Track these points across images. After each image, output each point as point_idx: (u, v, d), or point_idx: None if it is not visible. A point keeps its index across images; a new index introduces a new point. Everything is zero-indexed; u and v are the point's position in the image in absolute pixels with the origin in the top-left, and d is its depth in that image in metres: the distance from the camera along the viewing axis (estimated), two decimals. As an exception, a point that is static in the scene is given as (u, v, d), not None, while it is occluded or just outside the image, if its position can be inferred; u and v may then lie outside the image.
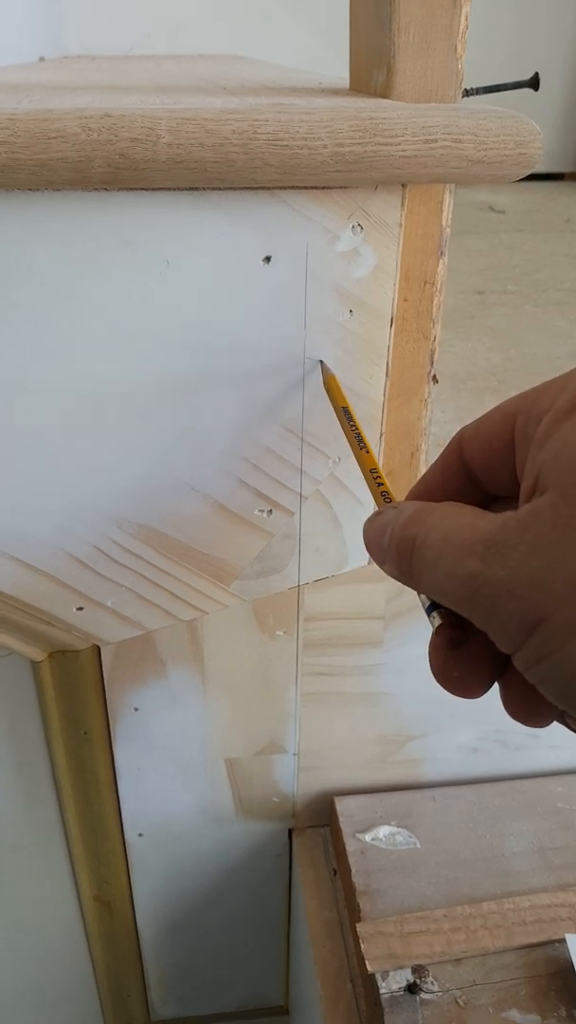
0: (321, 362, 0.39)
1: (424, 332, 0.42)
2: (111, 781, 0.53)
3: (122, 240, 0.33)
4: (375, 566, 0.47)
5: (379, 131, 0.30)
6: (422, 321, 0.42)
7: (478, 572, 0.21)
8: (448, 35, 0.34)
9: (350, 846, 0.52)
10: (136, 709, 0.49)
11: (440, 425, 0.64)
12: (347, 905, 0.51)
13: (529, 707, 0.23)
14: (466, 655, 0.24)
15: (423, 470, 0.48)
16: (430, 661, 0.25)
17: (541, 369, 0.74)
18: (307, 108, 0.30)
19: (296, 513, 0.43)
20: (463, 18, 0.35)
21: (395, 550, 0.24)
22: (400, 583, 0.25)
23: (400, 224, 0.35)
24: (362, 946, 0.46)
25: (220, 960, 0.68)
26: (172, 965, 0.68)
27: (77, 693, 0.48)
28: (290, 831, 0.58)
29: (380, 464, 0.33)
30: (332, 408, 0.38)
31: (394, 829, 0.52)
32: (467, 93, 0.39)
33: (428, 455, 0.48)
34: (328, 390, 0.39)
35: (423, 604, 0.25)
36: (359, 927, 0.47)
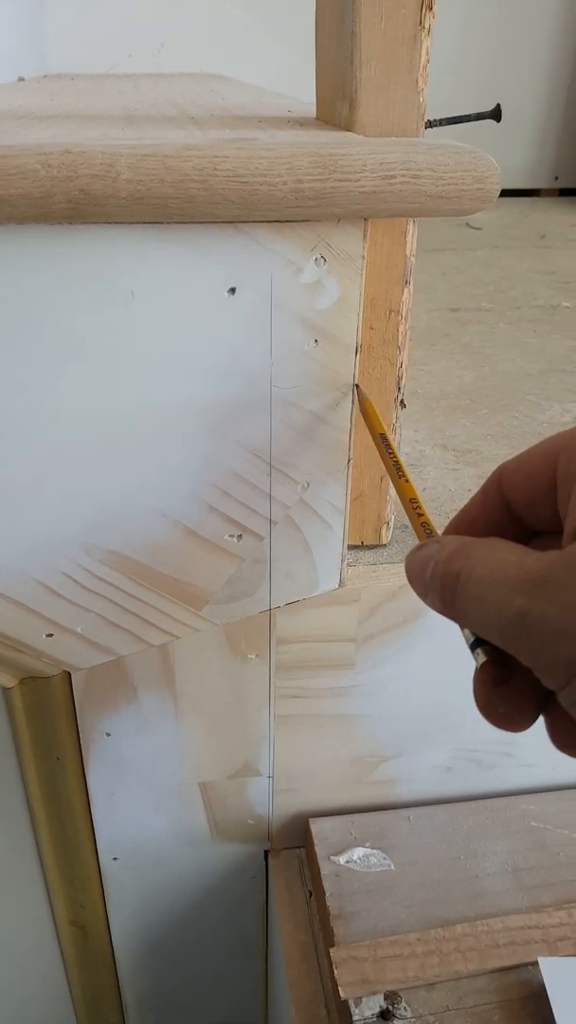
0: (357, 386, 0.39)
1: (390, 359, 0.42)
2: (84, 806, 0.53)
3: (86, 272, 0.34)
4: (346, 588, 0.47)
5: (338, 167, 0.30)
6: (388, 348, 0.42)
7: (526, 610, 0.21)
8: (409, 69, 0.35)
9: (324, 869, 0.52)
10: (108, 734, 0.49)
11: (412, 444, 0.64)
12: (322, 928, 0.51)
13: None
14: (511, 690, 0.24)
15: (392, 494, 0.48)
16: (475, 696, 0.25)
17: (513, 387, 0.75)
18: (267, 144, 0.30)
19: (266, 538, 0.43)
20: (424, 52, 0.35)
21: (439, 584, 0.24)
22: (441, 615, 0.25)
23: (363, 256, 0.35)
24: (335, 972, 0.45)
25: (198, 983, 0.68)
26: (150, 988, 0.68)
27: (48, 719, 0.48)
28: (266, 853, 0.58)
29: (415, 492, 0.33)
30: (367, 431, 0.39)
31: (368, 851, 0.52)
32: (430, 124, 0.40)
33: (398, 478, 0.49)
34: (365, 415, 0.39)
35: (466, 640, 0.25)
36: (332, 952, 0.47)
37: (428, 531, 0.30)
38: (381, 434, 0.37)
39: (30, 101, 0.56)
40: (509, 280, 1.11)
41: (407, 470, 0.35)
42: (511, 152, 1.74)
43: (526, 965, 0.46)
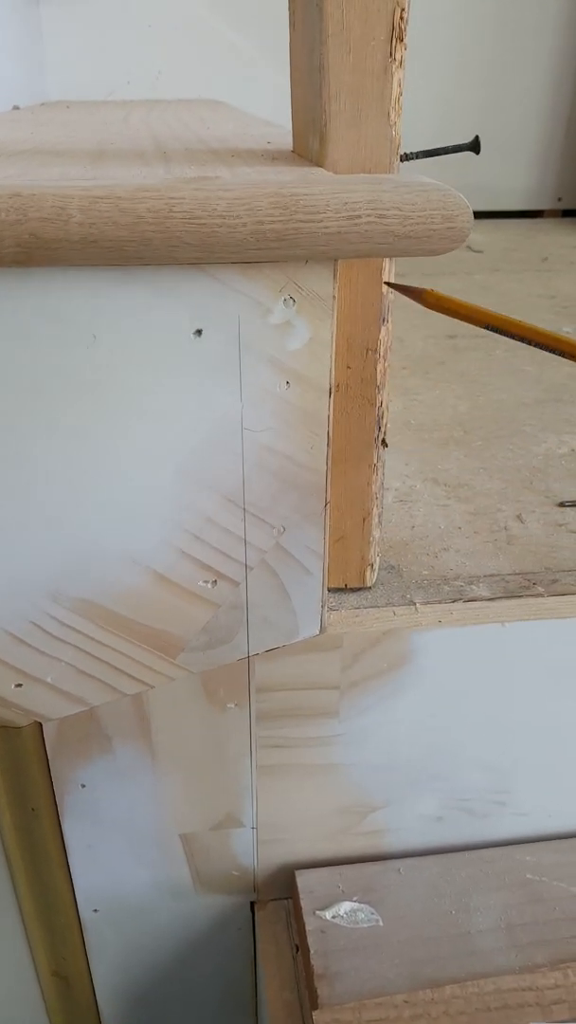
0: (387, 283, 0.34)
1: (369, 399, 0.41)
2: (62, 857, 0.51)
3: (45, 315, 0.32)
4: (327, 634, 0.45)
5: (300, 208, 0.29)
6: (366, 388, 0.41)
7: None
8: (380, 102, 0.34)
9: (310, 924, 0.49)
10: (83, 785, 0.47)
11: (402, 479, 0.63)
12: (307, 988, 0.49)
13: None
14: None
15: (376, 534, 0.46)
16: None
17: (509, 417, 0.73)
18: (226, 184, 0.29)
19: (242, 583, 0.42)
20: (396, 85, 0.34)
21: None
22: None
23: (333, 296, 0.34)
24: (318, 1038, 0.43)
25: (185, 1037, 0.65)
26: (135, 1042, 0.65)
27: (21, 769, 0.46)
28: (252, 904, 0.56)
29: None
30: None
31: (356, 905, 0.50)
32: (406, 157, 0.39)
33: (381, 518, 0.47)
34: (443, 309, 0.34)
35: None
36: (316, 1015, 0.44)
37: None
38: (487, 325, 0.32)
39: (10, 135, 0.56)
40: (509, 305, 1.09)
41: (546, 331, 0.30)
42: (513, 173, 1.74)
43: (520, 1032, 0.44)
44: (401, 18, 0.33)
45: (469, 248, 1.45)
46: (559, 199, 1.80)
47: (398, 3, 0.32)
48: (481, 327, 0.33)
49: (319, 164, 0.35)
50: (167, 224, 0.28)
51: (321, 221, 0.29)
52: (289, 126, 0.42)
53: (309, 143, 0.37)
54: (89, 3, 1.43)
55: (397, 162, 0.35)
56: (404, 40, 0.33)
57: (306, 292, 0.34)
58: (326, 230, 0.29)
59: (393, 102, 0.34)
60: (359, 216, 0.29)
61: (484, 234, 1.56)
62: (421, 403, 0.76)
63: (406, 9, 0.33)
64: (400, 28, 0.33)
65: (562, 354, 0.31)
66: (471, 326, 1.00)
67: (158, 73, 1.50)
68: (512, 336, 0.32)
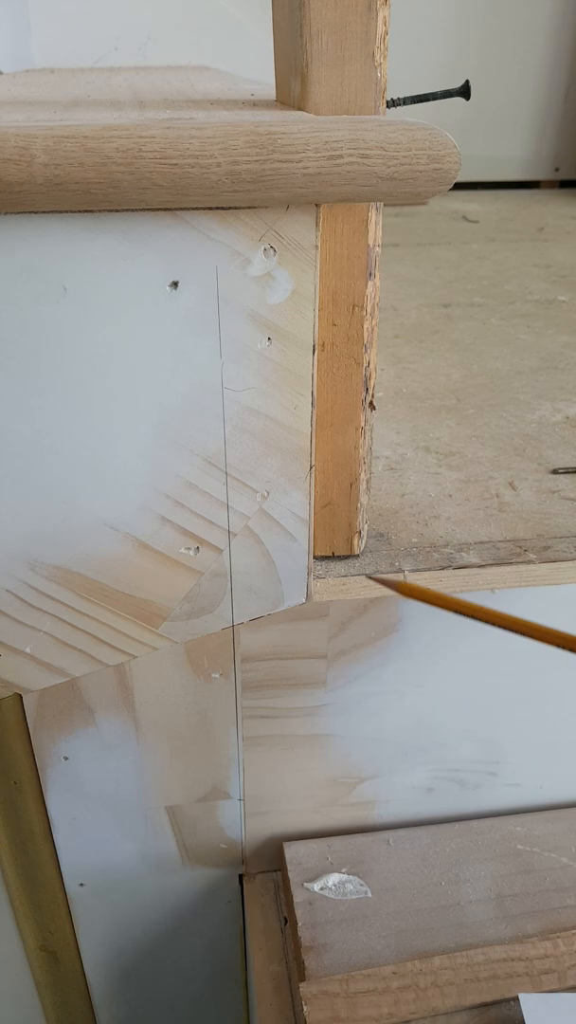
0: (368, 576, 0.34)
1: (355, 358, 0.40)
2: (46, 831, 0.50)
3: (12, 265, 0.31)
4: (313, 603, 0.44)
5: (277, 147, 0.27)
6: (353, 346, 0.39)
7: None
8: (364, 42, 0.32)
9: (298, 896, 0.49)
10: (66, 758, 0.46)
11: (393, 447, 0.61)
12: (295, 959, 0.48)
13: None
14: None
15: (364, 500, 0.45)
16: None
17: (503, 386, 0.72)
18: (200, 123, 0.28)
19: (225, 550, 0.41)
20: (380, 23, 0.32)
21: None
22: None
23: (316, 246, 0.32)
24: (304, 1008, 0.43)
25: (176, 1009, 0.65)
26: (126, 1015, 0.65)
27: (2, 742, 0.45)
28: (240, 876, 0.55)
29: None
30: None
31: (344, 877, 0.50)
32: (392, 103, 0.37)
33: (369, 484, 0.46)
34: (418, 598, 0.33)
35: None
36: (302, 987, 0.44)
37: None
38: (455, 611, 0.32)
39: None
40: (504, 274, 1.07)
41: (525, 623, 0.30)
42: (510, 143, 1.71)
43: (507, 1001, 0.44)
44: (386, -51, 0.31)
45: (465, 218, 1.42)
46: (556, 169, 1.77)
47: None
48: (454, 613, 0.32)
49: (301, 108, 0.33)
50: (136, 165, 0.27)
51: (300, 161, 0.28)
52: (263, 87, 0.40)
53: (291, 87, 0.35)
54: (74, -35, 1.39)
55: (383, 106, 0.34)
56: (389, -26, 0.32)
57: (287, 241, 0.32)
58: (305, 171, 0.28)
59: (378, 41, 0.32)
60: (340, 156, 0.28)
61: (480, 204, 1.54)
62: (414, 372, 0.75)
63: None
64: (385, -40, 0.31)
65: (538, 640, 0.30)
66: (466, 295, 0.98)
67: (147, 39, 1.47)
68: (486, 623, 0.31)
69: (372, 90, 0.33)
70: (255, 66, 1.24)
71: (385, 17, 0.33)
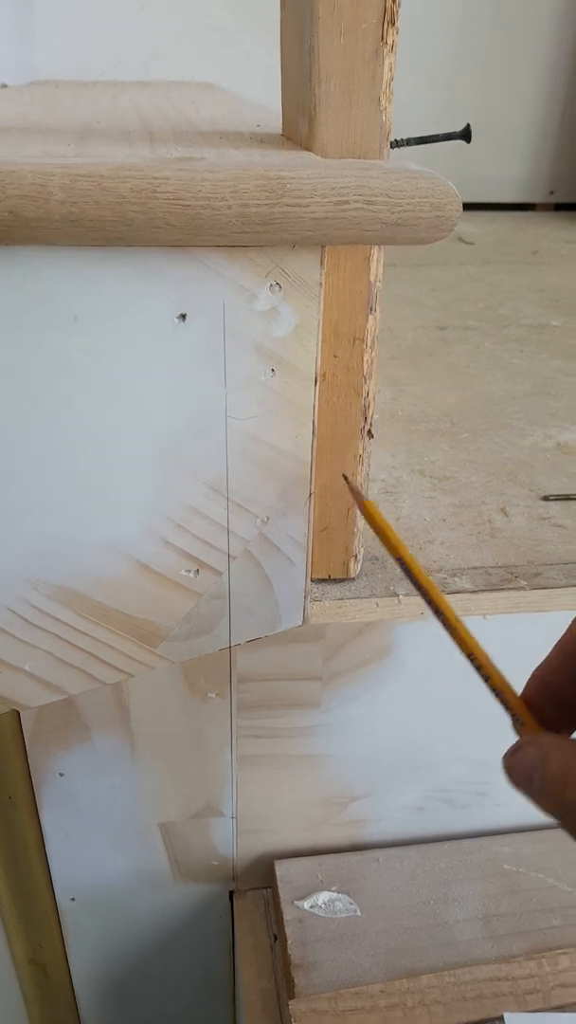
0: (344, 476, 0.36)
1: (355, 389, 0.41)
2: (39, 845, 0.51)
3: (25, 294, 0.32)
4: (310, 625, 0.45)
5: (287, 191, 0.28)
6: (353, 377, 0.40)
7: None
8: (371, 87, 0.33)
9: (288, 914, 0.49)
10: (61, 774, 0.47)
11: (388, 470, 0.62)
12: (284, 977, 0.49)
13: None
14: None
15: (360, 525, 0.46)
16: None
17: (497, 410, 0.73)
18: (212, 166, 0.28)
19: (224, 573, 0.41)
20: (387, 69, 0.34)
21: (553, 807, 0.24)
22: None
23: (320, 283, 0.34)
24: (294, 1027, 0.43)
25: (163, 1024, 0.65)
26: (113, 1029, 0.65)
27: (-2, 757, 0.46)
28: (231, 893, 0.56)
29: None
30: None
31: (334, 895, 0.50)
32: (397, 144, 0.38)
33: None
34: (370, 524, 0.34)
35: None
36: (292, 1005, 0.44)
37: (506, 704, 0.29)
38: (398, 559, 0.32)
39: (-5, 112, 0.55)
40: (499, 297, 1.09)
41: (453, 612, 0.31)
42: (505, 165, 1.73)
43: (493, 1020, 0.44)
44: (393, 1, 0.32)
45: (461, 240, 1.44)
46: (551, 192, 1.80)
47: (390, -15, 0.32)
48: (392, 556, 0.33)
49: (308, 148, 0.34)
50: (150, 205, 0.28)
51: (308, 206, 0.29)
52: (267, 116, 0.41)
53: (298, 126, 0.36)
54: (80, -19, 1.40)
55: (388, 148, 0.35)
56: (396, 24, 0.33)
57: (292, 278, 0.33)
58: (313, 215, 0.29)
59: (384, 86, 0.34)
60: (347, 202, 0.29)
61: (476, 226, 1.56)
62: (409, 394, 0.76)
63: (398, -9, 0.32)
64: (392, 11, 0.32)
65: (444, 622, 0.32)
66: (461, 318, 0.99)
67: (150, 54, 1.48)
68: (411, 579, 0.33)
69: (378, 133, 0.34)
70: (256, 83, 1.26)
71: (391, 64, 0.34)
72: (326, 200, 0.29)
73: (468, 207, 1.75)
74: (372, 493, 0.58)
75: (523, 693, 0.30)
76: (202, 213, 0.28)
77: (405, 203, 0.29)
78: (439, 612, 0.31)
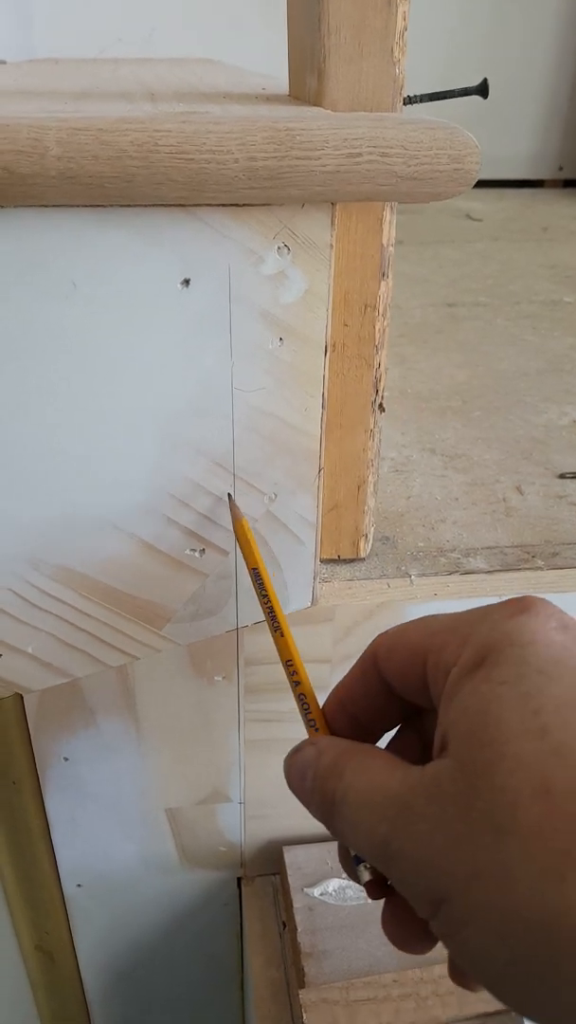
0: (229, 495, 0.37)
1: (367, 359, 0.39)
2: (44, 831, 0.50)
3: (20, 260, 0.30)
4: (319, 607, 0.44)
5: (296, 143, 0.27)
6: (364, 347, 0.39)
7: (388, 840, 0.21)
8: (383, 37, 0.31)
9: (297, 902, 0.48)
10: (66, 759, 0.46)
11: (399, 449, 0.61)
12: (293, 966, 0.48)
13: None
14: (400, 912, 0.24)
15: (371, 503, 0.45)
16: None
17: (509, 387, 0.71)
18: (217, 117, 0.27)
19: (231, 552, 0.40)
20: (400, 18, 0.32)
21: (318, 802, 0.24)
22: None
23: (331, 245, 0.32)
24: (304, 1016, 0.42)
25: (172, 1011, 0.65)
26: (121, 1016, 0.65)
27: (1, 742, 0.44)
28: (239, 880, 0.55)
29: (293, 651, 0.32)
30: (231, 526, 0.37)
31: (345, 882, 0.49)
32: (409, 101, 0.37)
33: (376, 486, 0.45)
34: (237, 538, 0.37)
35: (351, 851, 0.25)
36: (302, 995, 0.43)
37: (306, 708, 0.30)
38: (253, 568, 0.35)
39: (-9, 79, 0.53)
40: (509, 274, 1.07)
41: (284, 620, 0.33)
42: (514, 141, 1.70)
43: (507, 1011, 0.43)
44: None
45: (469, 216, 1.42)
46: (560, 168, 1.77)
47: None
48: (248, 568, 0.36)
49: (317, 103, 0.33)
50: (152, 159, 0.26)
51: (319, 159, 0.27)
52: (275, 82, 0.39)
53: (306, 82, 0.34)
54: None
55: (400, 103, 0.33)
56: (410, -32, 0.31)
57: (301, 239, 0.31)
58: (324, 168, 0.27)
59: (397, 37, 0.32)
60: (360, 154, 0.27)
61: (484, 203, 1.53)
62: (419, 372, 0.74)
63: None
64: (406, -47, 0.30)
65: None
66: (471, 295, 0.97)
67: (150, 31, 1.45)
68: (258, 585, 0.35)
69: (390, 87, 0.32)
70: (258, 60, 1.23)
71: (405, 12, 0.32)
72: (338, 152, 0.27)
73: (476, 184, 1.72)
74: (382, 472, 0.57)
75: (323, 706, 0.30)
76: (207, 168, 0.26)
77: (422, 155, 0.27)
78: (274, 618, 0.33)
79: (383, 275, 0.38)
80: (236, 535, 0.37)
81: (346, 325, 0.39)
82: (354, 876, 0.26)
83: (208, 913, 0.57)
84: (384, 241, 0.36)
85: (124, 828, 0.50)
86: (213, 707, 0.45)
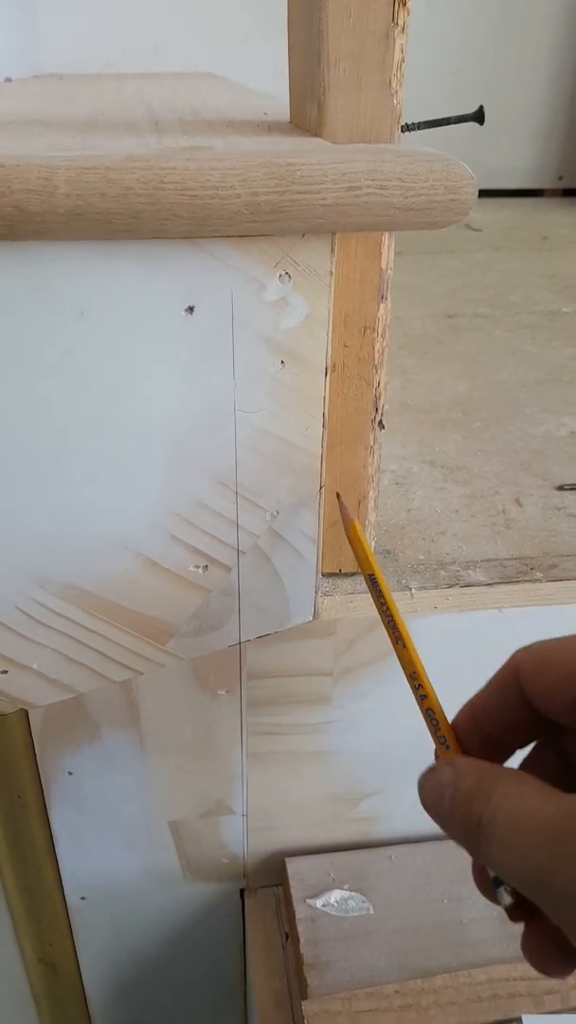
0: (337, 495, 0.37)
1: (366, 379, 0.40)
2: (48, 845, 0.50)
3: (30, 289, 0.31)
4: (321, 621, 0.44)
5: (296, 178, 0.27)
6: (363, 367, 0.39)
7: (546, 867, 0.21)
8: (381, 70, 0.32)
9: (300, 913, 0.49)
10: (70, 773, 0.46)
11: (399, 461, 0.62)
12: (296, 977, 0.48)
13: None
14: (541, 935, 0.24)
15: (372, 518, 0.45)
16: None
17: (509, 399, 0.72)
18: (220, 153, 0.28)
19: (234, 569, 0.41)
20: (398, 51, 0.33)
21: (459, 824, 0.24)
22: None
23: (331, 272, 0.33)
24: (308, 1027, 0.43)
25: (176, 1023, 0.65)
26: (125, 1026, 0.65)
27: (7, 757, 0.45)
28: (242, 891, 0.55)
29: (417, 663, 0.31)
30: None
31: (347, 894, 0.50)
32: (407, 128, 0.37)
33: (377, 501, 0.46)
34: (350, 541, 0.36)
35: (490, 874, 0.25)
36: (305, 1005, 0.44)
37: (436, 725, 0.29)
38: (370, 574, 0.34)
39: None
40: (509, 284, 1.08)
41: (406, 630, 0.32)
42: (514, 151, 1.71)
43: (510, 1021, 0.44)
44: (405, -21, 0.31)
45: (469, 226, 1.42)
46: (560, 178, 1.78)
47: (401, -38, 0.31)
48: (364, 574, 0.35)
49: (317, 134, 0.33)
50: (157, 196, 0.27)
51: (319, 192, 0.28)
52: (287, 99, 0.40)
53: (307, 112, 0.35)
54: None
55: (398, 132, 0.34)
56: (407, 5, 0.32)
57: (302, 267, 0.32)
58: (324, 202, 0.28)
59: (395, 69, 0.33)
60: (359, 187, 0.28)
61: (485, 212, 1.54)
62: (419, 383, 0.75)
63: (410, -31, 0.31)
64: (403, -11, 0.31)
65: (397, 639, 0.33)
66: (471, 305, 0.98)
67: (154, 47, 1.47)
68: (376, 594, 0.34)
69: (388, 117, 0.33)
70: (259, 74, 1.25)
71: (402, 45, 0.33)
72: (337, 186, 0.28)
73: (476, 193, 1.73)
74: (383, 484, 0.57)
75: (453, 720, 0.29)
76: (210, 203, 0.27)
77: (419, 187, 0.28)
78: (395, 628, 0.33)
79: (382, 297, 0.38)
80: (348, 538, 0.36)
81: (346, 346, 0.39)
82: (492, 898, 0.25)
83: (211, 924, 0.57)
84: (383, 265, 0.37)
85: (128, 841, 0.51)
86: (216, 720, 0.46)
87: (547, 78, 1.66)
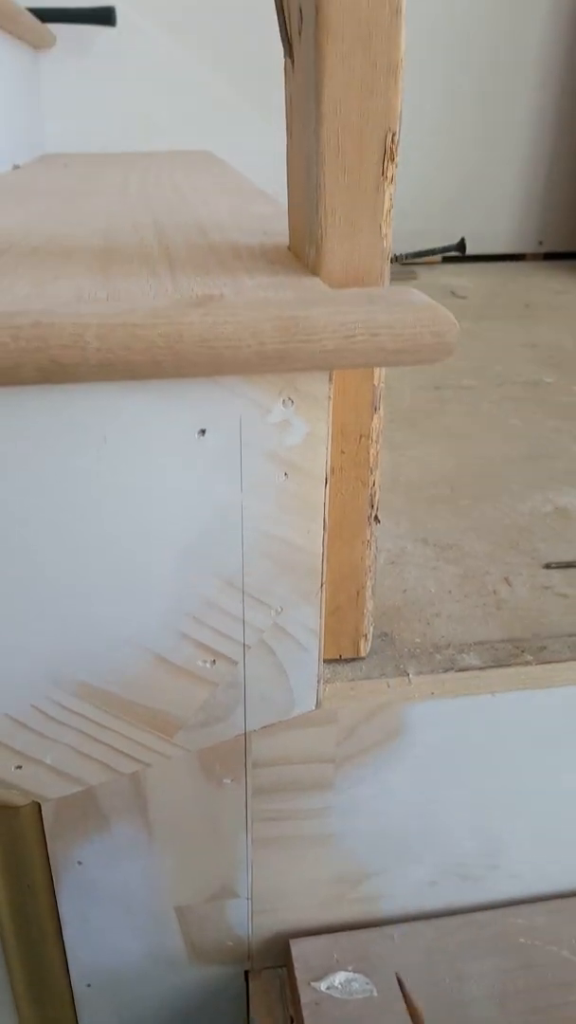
0: None
1: (363, 480, 0.43)
2: (56, 932, 0.51)
3: (59, 421, 0.34)
4: (323, 709, 0.46)
5: (300, 330, 0.30)
6: (360, 470, 0.42)
7: None
8: (373, 217, 0.36)
9: (304, 997, 0.50)
10: (80, 863, 0.47)
11: (394, 540, 0.64)
12: (303, 1061, 0.49)
13: None
14: None
15: (369, 606, 0.48)
16: None
17: (496, 474, 0.75)
18: (232, 307, 0.31)
19: (240, 662, 0.43)
20: (387, 200, 0.36)
21: None
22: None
23: (329, 397, 0.36)
24: None
25: None
26: None
27: (18, 848, 0.46)
28: (246, 973, 0.56)
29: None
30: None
31: (350, 975, 0.51)
32: (396, 260, 0.41)
33: (374, 589, 0.48)
34: None
35: None
36: None
37: None
38: None
39: (12, 219, 0.57)
40: (493, 354, 1.12)
41: None
42: (495, 217, 1.79)
43: None
44: (392, 141, 0.35)
45: (454, 294, 1.48)
46: (540, 243, 1.85)
47: (389, 128, 0.34)
48: None
49: (315, 272, 0.37)
50: (177, 348, 0.30)
51: (320, 341, 0.31)
52: (279, 201, 0.43)
53: (306, 250, 0.38)
54: (85, 57, 1.46)
55: (387, 269, 0.37)
56: (395, 160, 0.35)
57: (304, 394, 0.35)
58: (324, 348, 0.31)
59: (384, 215, 0.36)
60: (354, 335, 0.31)
61: (468, 279, 1.60)
62: (409, 459, 0.78)
63: (396, 132, 0.35)
64: (391, 150, 0.35)
65: None
66: (456, 376, 1.02)
67: (152, 127, 1.54)
68: None
69: (379, 257, 0.36)
70: (251, 149, 1.32)
71: (391, 194, 0.36)
72: (336, 335, 0.31)
73: (461, 260, 1.80)
74: (378, 564, 0.60)
75: None
76: (224, 352, 0.30)
77: (407, 332, 0.31)
78: None
79: (375, 409, 0.41)
80: None
81: (343, 452, 0.42)
82: None
83: (216, 1008, 0.57)
84: (376, 382, 0.40)
85: (135, 926, 0.51)
86: (221, 808, 0.47)
87: (526, 149, 1.75)
